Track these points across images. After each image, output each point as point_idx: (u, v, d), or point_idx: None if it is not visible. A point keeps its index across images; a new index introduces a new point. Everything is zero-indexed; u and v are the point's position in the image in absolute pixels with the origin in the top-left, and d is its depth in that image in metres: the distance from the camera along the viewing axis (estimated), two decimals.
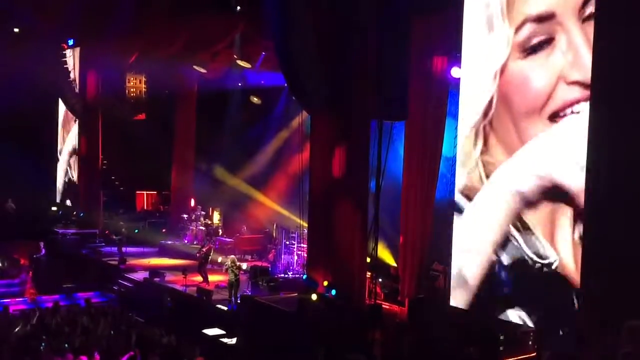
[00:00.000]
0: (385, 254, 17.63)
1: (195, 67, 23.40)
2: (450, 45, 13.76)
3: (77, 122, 28.42)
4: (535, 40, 9.82)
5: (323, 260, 15.05)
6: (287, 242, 19.71)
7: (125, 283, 20.20)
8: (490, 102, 10.87)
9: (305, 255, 17.27)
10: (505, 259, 11.85)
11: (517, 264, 11.43)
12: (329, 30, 14.48)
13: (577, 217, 9.94)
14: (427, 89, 14.84)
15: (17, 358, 11.94)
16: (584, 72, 9.09)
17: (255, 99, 24.87)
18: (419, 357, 12.49)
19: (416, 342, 12.75)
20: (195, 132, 26.26)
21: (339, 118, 14.78)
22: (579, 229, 9.89)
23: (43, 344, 12.56)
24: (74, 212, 27.34)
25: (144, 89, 26.89)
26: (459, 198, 12.86)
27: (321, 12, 14.53)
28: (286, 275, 18.34)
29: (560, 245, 10.25)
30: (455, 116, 13.90)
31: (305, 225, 17.21)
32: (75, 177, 28.84)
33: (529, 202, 10.80)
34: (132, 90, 26.72)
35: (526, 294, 11.43)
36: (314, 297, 14.17)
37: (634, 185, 9.10)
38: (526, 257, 10.99)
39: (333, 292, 14.28)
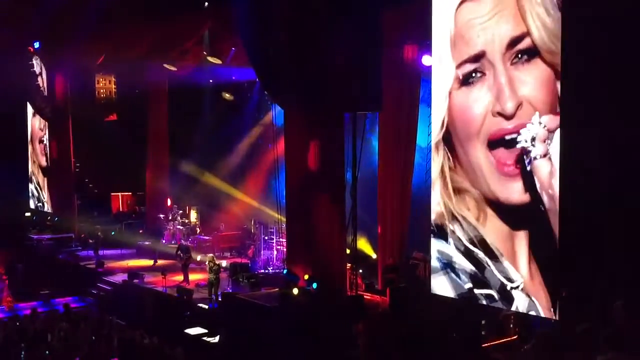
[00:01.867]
0: (364, 245, 17.68)
1: (165, 65, 23.18)
2: (421, 33, 13.77)
3: (42, 125, 28.13)
4: (471, 75, 11.24)
5: (303, 254, 15.03)
6: (266, 238, 19.67)
7: (104, 286, 20.02)
8: (443, 121, 12.10)
9: (285, 249, 17.25)
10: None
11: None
12: (300, 23, 14.42)
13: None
14: (399, 79, 14.88)
15: None
16: (503, 105, 10.66)
17: (227, 95, 24.74)
18: (403, 345, 12.55)
19: (399, 331, 12.80)
20: (168, 131, 26.03)
21: (312, 111, 14.73)
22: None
23: (22, 352, 12.40)
24: (49, 217, 27.01)
25: (113, 90, 26.60)
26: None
27: (291, 6, 14.45)
28: (266, 271, 18.31)
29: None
30: (428, 104, 13.93)
31: (284, 220, 17.18)
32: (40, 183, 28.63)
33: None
34: (101, 91, 26.41)
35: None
36: (295, 291, 14.15)
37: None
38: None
39: (314, 285, 14.27)
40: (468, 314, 12.33)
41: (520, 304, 11.12)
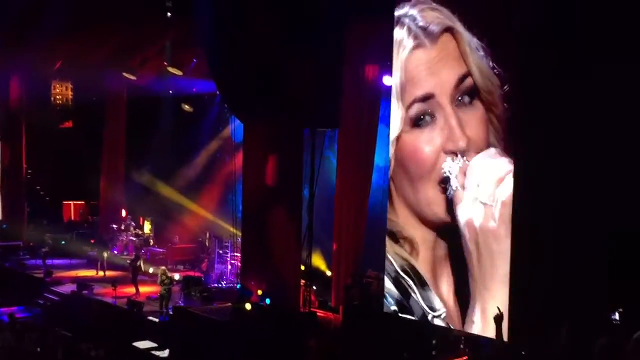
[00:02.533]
0: (319, 262, 17.66)
1: (124, 74, 22.92)
2: (382, 53, 13.92)
3: None
4: (421, 117, 11.93)
5: (257, 268, 14.96)
6: (221, 252, 19.51)
7: (51, 296, 19.54)
8: (390, 164, 12.85)
9: (239, 264, 17.12)
10: None
11: None
12: (261, 37, 14.44)
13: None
14: (359, 97, 14.96)
15: None
16: (456, 143, 11.31)
17: (186, 107, 24.54)
18: None
19: (352, 349, 12.78)
20: (125, 140, 25.71)
21: (271, 126, 14.74)
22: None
23: None
24: None
25: (70, 96, 26.11)
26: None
27: (253, 20, 14.48)
28: (219, 285, 18.14)
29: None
30: (387, 124, 14.06)
31: (239, 234, 17.06)
32: None
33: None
34: (57, 97, 25.91)
35: None
36: (248, 306, 14.05)
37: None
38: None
39: (267, 300, 14.19)
40: (420, 333, 12.40)
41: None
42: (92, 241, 23.87)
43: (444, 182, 11.60)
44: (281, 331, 13.39)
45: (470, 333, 11.66)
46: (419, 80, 12.02)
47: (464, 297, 11.51)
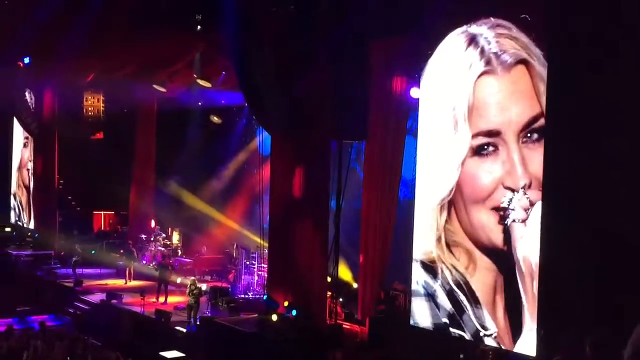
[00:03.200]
0: (345, 274, 17.65)
1: (154, 86, 23.23)
2: (410, 65, 13.93)
3: (29, 141, 28.01)
4: (485, 148, 11.74)
5: (283, 280, 15.00)
6: (248, 263, 19.58)
7: (81, 305, 19.79)
8: (453, 187, 12.56)
9: (266, 275, 17.18)
10: None
11: None
12: (288, 50, 14.55)
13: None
14: (386, 109, 14.98)
15: None
16: (515, 181, 11.16)
17: (215, 119, 24.77)
18: None
19: None
20: (154, 152, 26.01)
21: (299, 138, 14.81)
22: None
23: None
24: (29, 233, 26.74)
25: (101, 108, 26.53)
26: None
27: (281, 33, 14.60)
28: (246, 296, 18.20)
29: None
30: (415, 136, 14.05)
31: (266, 245, 17.13)
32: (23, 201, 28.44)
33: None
34: (89, 109, 26.33)
35: None
36: (274, 317, 14.08)
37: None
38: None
39: (294, 312, 14.21)
40: (446, 347, 12.32)
41: None
42: (122, 251, 24.15)
43: (502, 211, 11.42)
44: (307, 343, 13.40)
45: (498, 348, 11.56)
46: (486, 112, 11.69)
47: (516, 321, 11.43)
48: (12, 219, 29.55)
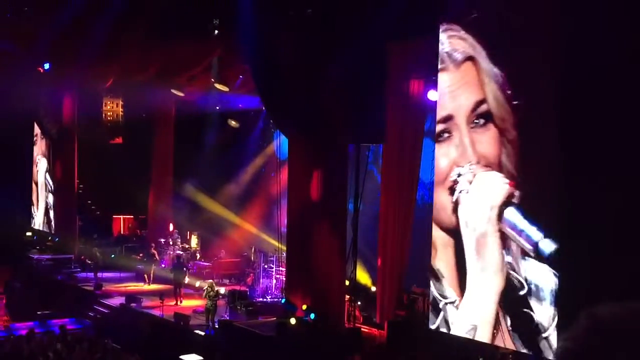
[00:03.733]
0: (363, 277, 17.61)
1: (172, 90, 23.36)
2: (427, 68, 13.90)
3: (38, 138, 28.32)
4: (442, 134, 12.90)
5: (302, 283, 15.00)
6: (266, 266, 19.61)
7: (101, 309, 19.92)
8: None
9: (284, 279, 17.19)
10: None
11: None
12: (306, 53, 14.56)
13: None
14: (404, 112, 14.96)
15: None
16: (467, 159, 12.32)
17: (233, 122, 24.86)
18: None
19: None
20: (173, 156, 26.15)
21: (316, 141, 14.82)
22: None
23: None
24: (49, 238, 26.97)
25: (121, 113, 26.72)
26: None
27: (298, 37, 14.62)
28: (265, 299, 18.22)
29: None
30: (433, 137, 14.01)
31: (284, 248, 17.15)
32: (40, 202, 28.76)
33: None
34: (108, 113, 26.54)
35: None
36: (292, 321, 14.08)
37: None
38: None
39: (312, 315, 14.21)
40: (466, 351, 12.25)
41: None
42: (141, 255, 24.29)
43: (454, 184, 12.60)
44: (325, 346, 13.38)
45: (517, 351, 11.48)
46: (443, 102, 12.94)
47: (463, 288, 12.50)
48: (34, 224, 29.84)
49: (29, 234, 28.79)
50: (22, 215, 29.15)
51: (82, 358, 13.65)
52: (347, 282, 15.27)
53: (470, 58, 12.30)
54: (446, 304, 12.71)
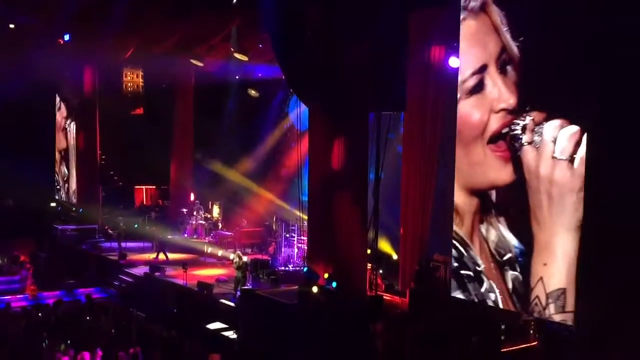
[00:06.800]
0: (385, 245, 17.63)
1: (192, 60, 23.32)
2: (448, 34, 13.71)
3: (69, 118, 28.49)
4: (475, 86, 12.68)
5: (323, 252, 15.03)
6: (287, 235, 19.70)
7: (126, 278, 20.21)
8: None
9: (306, 247, 17.26)
10: None
11: None
12: (326, 22, 14.41)
13: None
14: (425, 79, 14.82)
15: (19, 355, 11.95)
16: (506, 102, 12.15)
17: (253, 92, 24.81)
18: (421, 348, 12.51)
19: (417, 333, 12.76)
20: (193, 126, 26.22)
21: (337, 110, 14.71)
22: None
23: (45, 341, 12.57)
24: (73, 208, 27.31)
25: (141, 83, 26.77)
26: None
27: (317, 4, 14.45)
28: (287, 268, 18.33)
29: None
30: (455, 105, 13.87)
31: (305, 217, 17.19)
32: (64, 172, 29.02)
33: None
34: (129, 84, 26.60)
35: None
36: (314, 289, 14.15)
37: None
38: None
39: (334, 284, 14.25)
40: (488, 318, 12.27)
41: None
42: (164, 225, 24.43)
43: (491, 141, 12.35)
44: (347, 315, 13.46)
45: (539, 318, 11.47)
46: (475, 52, 12.76)
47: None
48: (58, 195, 30.17)
49: (52, 204, 29.14)
50: (46, 186, 29.47)
51: (108, 326, 13.90)
52: (368, 251, 15.29)
53: (485, 4, 12.46)
54: (469, 271, 12.71)
